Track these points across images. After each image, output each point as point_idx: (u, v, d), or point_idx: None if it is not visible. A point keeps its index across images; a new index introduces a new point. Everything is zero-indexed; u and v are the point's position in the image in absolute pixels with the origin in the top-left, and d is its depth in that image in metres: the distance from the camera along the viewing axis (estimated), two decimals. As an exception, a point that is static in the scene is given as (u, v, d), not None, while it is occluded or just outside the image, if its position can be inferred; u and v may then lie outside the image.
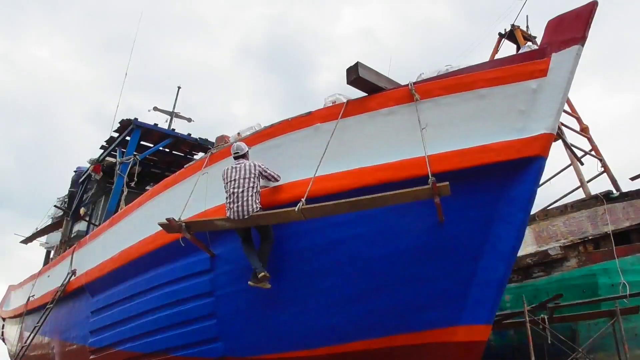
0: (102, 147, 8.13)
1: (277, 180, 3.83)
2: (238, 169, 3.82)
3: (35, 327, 6.62)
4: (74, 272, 6.46)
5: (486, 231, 3.33)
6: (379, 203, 3.20)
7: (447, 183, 3.05)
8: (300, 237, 3.82)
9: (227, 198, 3.80)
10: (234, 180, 3.76)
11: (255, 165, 3.84)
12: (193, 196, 4.22)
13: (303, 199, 3.42)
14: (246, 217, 3.65)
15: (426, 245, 3.49)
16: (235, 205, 3.65)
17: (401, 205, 3.30)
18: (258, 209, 3.72)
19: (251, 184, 3.72)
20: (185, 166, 5.03)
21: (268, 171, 3.82)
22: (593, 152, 8.14)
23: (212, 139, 7.19)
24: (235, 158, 4.02)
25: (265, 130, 4.24)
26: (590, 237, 6.40)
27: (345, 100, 3.88)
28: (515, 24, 8.81)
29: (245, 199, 3.63)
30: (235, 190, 3.70)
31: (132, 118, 7.36)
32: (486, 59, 7.80)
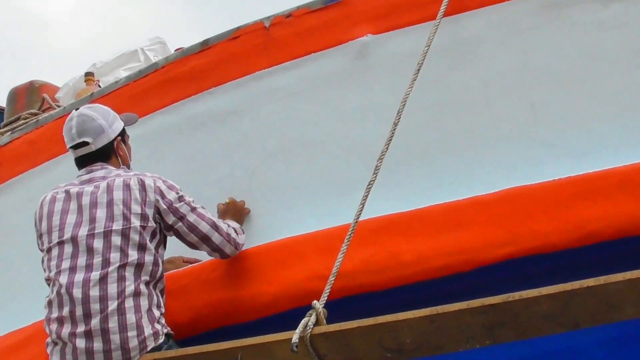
0: None
1: (226, 241, 3.35)
2: (85, 199, 3.28)
3: None
4: None
5: None
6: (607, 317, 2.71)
7: None
8: None
9: (48, 301, 3.17)
10: (69, 239, 3.21)
11: (143, 184, 3.32)
12: None
13: (318, 305, 2.80)
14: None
15: None
16: (78, 328, 3.06)
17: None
18: (161, 337, 3.12)
19: (130, 250, 3.18)
20: None
21: (194, 205, 3.35)
22: None
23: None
24: (82, 160, 3.42)
25: (182, 59, 3.92)
26: None
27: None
28: None
29: (107, 303, 3.07)
30: (77, 276, 3.12)
31: None
32: None
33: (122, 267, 3.05)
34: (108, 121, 3.37)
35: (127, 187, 3.20)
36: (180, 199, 3.22)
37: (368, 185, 2.97)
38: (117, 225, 3.11)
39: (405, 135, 3.13)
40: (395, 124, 3.05)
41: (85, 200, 3.19)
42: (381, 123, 3.19)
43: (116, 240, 3.09)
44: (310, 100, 3.55)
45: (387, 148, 3.02)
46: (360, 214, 2.96)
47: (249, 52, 3.66)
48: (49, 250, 3.17)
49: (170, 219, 3.18)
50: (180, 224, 3.21)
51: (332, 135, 3.49)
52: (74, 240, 3.11)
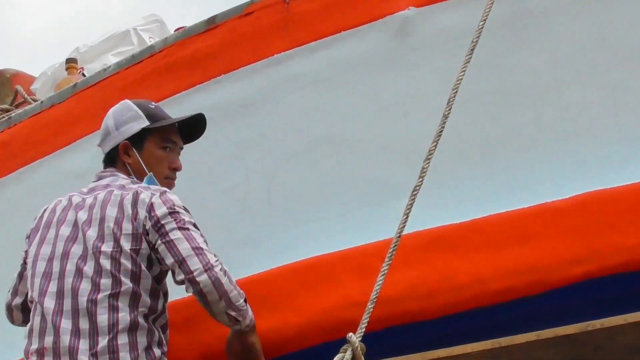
0: None
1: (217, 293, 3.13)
2: (81, 213, 3.24)
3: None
4: None
5: None
6: None
7: None
8: None
9: (29, 329, 3.08)
10: (59, 256, 3.14)
11: (137, 198, 3.21)
12: None
13: (355, 338, 2.76)
14: None
15: None
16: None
17: None
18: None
19: (123, 277, 3.10)
20: None
21: (186, 226, 3.19)
22: None
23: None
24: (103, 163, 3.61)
25: (184, 41, 3.85)
26: None
27: None
28: None
29: (97, 339, 2.97)
30: (65, 302, 3.05)
31: None
32: None
33: (114, 295, 2.93)
34: (119, 121, 3.27)
35: (122, 201, 3.09)
36: (172, 214, 3.02)
37: (413, 191, 2.79)
38: (107, 247, 3.00)
39: (458, 130, 3.04)
40: (445, 117, 2.88)
41: (82, 215, 3.10)
42: (428, 115, 3.04)
43: (106, 263, 2.97)
44: (341, 88, 3.41)
45: (435, 146, 2.85)
46: (404, 226, 2.79)
47: (265, 32, 3.53)
48: (34, 263, 3.06)
49: (153, 238, 2.99)
50: (159, 241, 2.99)
51: (367, 131, 3.35)
52: (63, 257, 3.00)
